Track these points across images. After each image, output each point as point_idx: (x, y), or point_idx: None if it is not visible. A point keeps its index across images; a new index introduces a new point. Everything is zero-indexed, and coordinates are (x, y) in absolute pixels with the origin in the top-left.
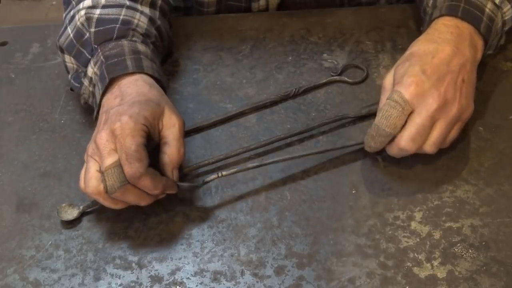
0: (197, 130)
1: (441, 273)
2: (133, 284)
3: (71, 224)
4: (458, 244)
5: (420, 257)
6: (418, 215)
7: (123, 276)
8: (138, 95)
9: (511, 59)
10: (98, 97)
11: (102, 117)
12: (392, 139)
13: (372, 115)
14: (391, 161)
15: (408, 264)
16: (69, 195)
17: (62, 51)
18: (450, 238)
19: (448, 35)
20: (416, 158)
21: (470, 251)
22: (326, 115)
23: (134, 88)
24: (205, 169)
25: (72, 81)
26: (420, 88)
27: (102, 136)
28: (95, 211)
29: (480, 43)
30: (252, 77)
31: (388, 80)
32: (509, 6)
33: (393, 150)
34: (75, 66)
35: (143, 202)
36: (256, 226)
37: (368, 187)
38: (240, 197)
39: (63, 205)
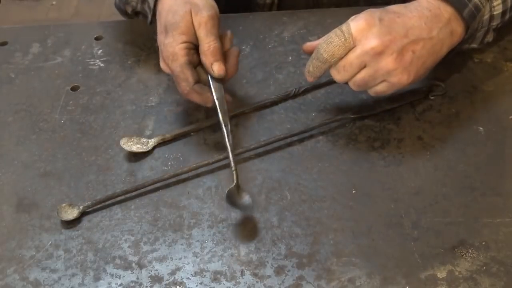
0: (197, 130)
1: (441, 273)
2: (133, 284)
3: (71, 224)
4: (458, 244)
5: (420, 257)
6: (418, 215)
7: (123, 276)
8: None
9: (511, 59)
10: (151, 1)
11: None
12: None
13: (372, 115)
14: (391, 161)
15: (408, 263)
16: (69, 195)
17: None
18: (450, 238)
19: (425, 11)
20: (416, 158)
21: (470, 251)
22: (326, 115)
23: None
24: (205, 169)
25: None
26: (367, 28)
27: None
28: (95, 211)
29: (460, 29)
30: (252, 77)
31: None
32: (499, 0)
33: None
34: None
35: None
36: (256, 226)
37: (368, 187)
38: None
39: (63, 205)
